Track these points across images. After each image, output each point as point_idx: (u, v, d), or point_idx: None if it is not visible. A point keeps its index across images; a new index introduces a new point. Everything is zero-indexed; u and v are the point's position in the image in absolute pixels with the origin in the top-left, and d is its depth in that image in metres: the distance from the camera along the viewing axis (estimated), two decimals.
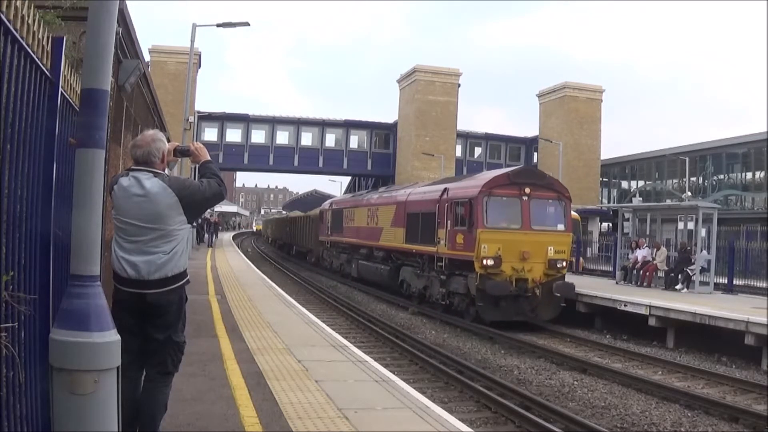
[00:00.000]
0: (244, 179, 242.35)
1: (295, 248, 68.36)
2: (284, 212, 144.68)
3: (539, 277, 25.64)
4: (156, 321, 6.30)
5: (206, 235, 60.57)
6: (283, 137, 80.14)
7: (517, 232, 25.78)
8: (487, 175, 29.07)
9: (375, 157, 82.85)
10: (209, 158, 6.87)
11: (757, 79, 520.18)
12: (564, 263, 26.49)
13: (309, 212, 63.92)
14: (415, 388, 11.17)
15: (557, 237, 26.56)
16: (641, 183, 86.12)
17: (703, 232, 30.94)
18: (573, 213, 30.50)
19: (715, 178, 71.75)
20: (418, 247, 31.01)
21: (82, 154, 4.88)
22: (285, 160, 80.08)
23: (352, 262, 42.64)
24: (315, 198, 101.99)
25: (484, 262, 25.10)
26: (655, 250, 31.74)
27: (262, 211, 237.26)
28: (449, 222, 27.49)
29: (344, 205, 47.70)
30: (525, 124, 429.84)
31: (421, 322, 27.43)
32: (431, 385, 16.43)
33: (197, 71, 70.18)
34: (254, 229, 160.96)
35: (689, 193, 64.26)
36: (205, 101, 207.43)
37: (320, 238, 52.49)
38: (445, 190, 28.79)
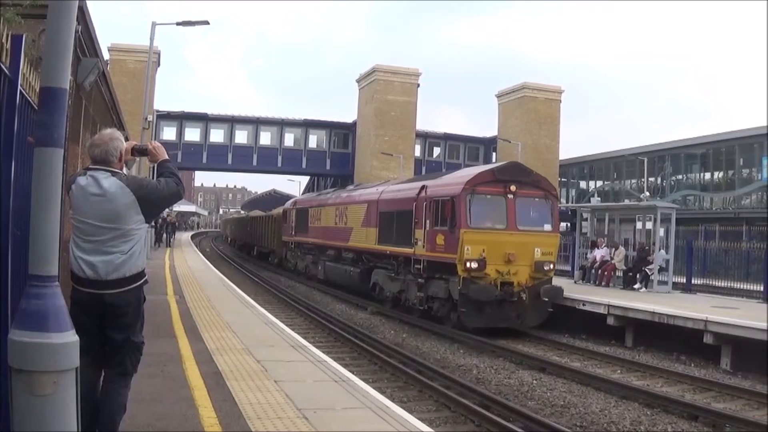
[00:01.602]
0: (203, 179, 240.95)
1: (256, 249, 66.82)
2: (243, 212, 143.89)
3: (525, 280, 24.33)
4: (114, 321, 6.26)
5: (164, 235, 60.02)
6: (241, 137, 79.84)
7: (503, 233, 24.33)
8: (470, 171, 27.48)
9: (334, 156, 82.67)
10: (167, 157, 6.85)
11: (717, 79, 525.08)
12: (551, 265, 25.15)
13: (272, 211, 62.56)
14: (374, 388, 11.20)
15: (544, 238, 25.23)
16: (600, 183, 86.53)
17: (661, 231, 31.10)
18: None
19: (673, 178, 72.30)
20: (392, 248, 29.21)
21: (40, 153, 4.85)
22: (244, 159, 79.75)
23: (319, 264, 40.92)
24: (274, 197, 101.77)
25: (468, 264, 23.51)
26: (614, 249, 31.86)
27: (221, 211, 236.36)
28: (428, 222, 25.82)
29: (310, 204, 45.94)
30: (484, 125, 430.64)
31: (380, 322, 27.38)
32: (390, 384, 16.45)
33: (156, 70, 69.64)
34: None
35: (648, 193, 64.70)
36: (164, 100, 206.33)
37: (284, 238, 50.93)
38: (423, 187, 27.02)
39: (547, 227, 25.63)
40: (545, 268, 24.78)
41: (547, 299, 24.58)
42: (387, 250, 29.95)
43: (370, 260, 32.74)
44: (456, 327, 24.34)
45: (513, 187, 24.61)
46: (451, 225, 24.28)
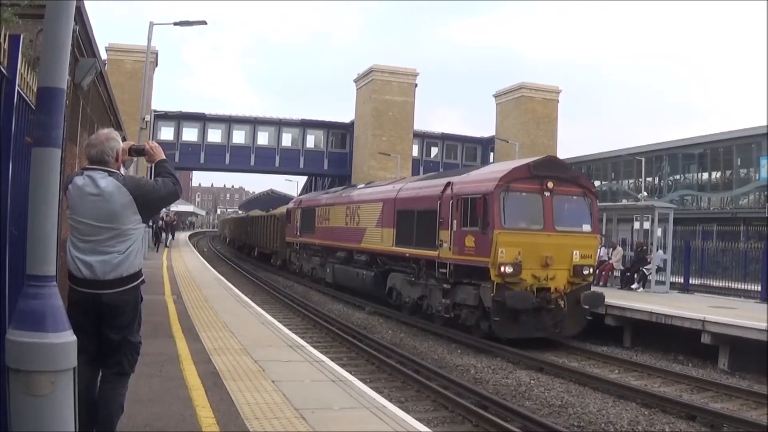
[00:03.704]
0: (200, 179, 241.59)
1: (257, 250, 64.85)
2: (240, 212, 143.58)
3: (563, 286, 22.18)
4: (112, 321, 6.26)
5: (163, 234, 59.45)
6: (239, 137, 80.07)
7: (539, 234, 22.20)
8: (503, 166, 25.04)
9: (331, 156, 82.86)
10: (165, 157, 6.86)
11: (715, 79, 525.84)
12: (590, 269, 23.17)
13: (274, 211, 61.05)
14: (371, 388, 11.19)
15: (583, 239, 23.04)
16: (597, 183, 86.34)
17: (659, 231, 31.14)
18: None
19: (671, 178, 72.14)
20: (412, 250, 26.80)
21: (38, 153, 4.86)
22: (241, 159, 79.94)
23: (327, 267, 38.70)
24: (271, 197, 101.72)
25: (502, 269, 21.36)
26: (611, 249, 31.85)
27: (218, 211, 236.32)
28: (455, 222, 23.50)
29: (317, 202, 43.50)
30: (482, 125, 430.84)
31: (378, 322, 27.30)
32: (388, 384, 16.43)
33: (154, 70, 69.77)
34: None
35: (645, 193, 64.56)
36: (161, 100, 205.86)
37: (287, 239, 48.60)
38: (449, 184, 24.55)
39: (586, 228, 23.48)
40: (584, 272, 22.71)
41: (587, 306, 22.56)
42: (406, 252, 27.56)
43: (386, 263, 30.44)
44: (486, 337, 22.40)
45: (550, 184, 22.59)
46: (483, 225, 22.07)
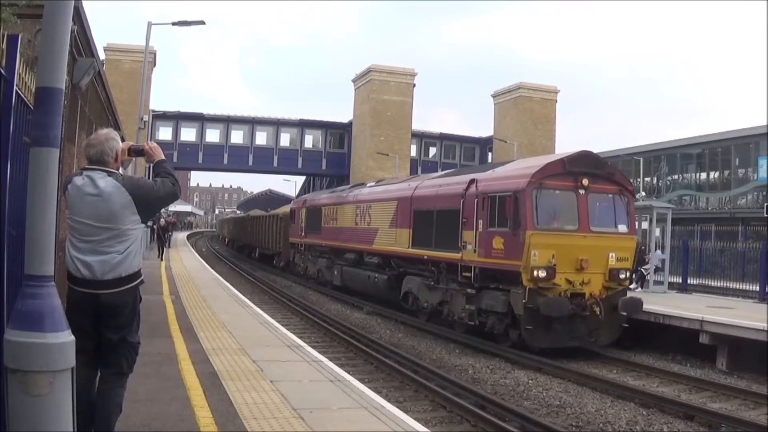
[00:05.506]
0: (199, 179, 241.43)
1: (258, 251, 63.06)
2: (239, 212, 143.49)
3: (598, 290, 20.71)
4: (110, 321, 6.26)
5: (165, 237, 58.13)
6: (237, 136, 79.98)
7: (574, 235, 20.75)
8: (534, 162, 23.20)
9: (330, 156, 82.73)
10: (164, 157, 6.85)
11: (714, 79, 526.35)
12: (627, 273, 21.89)
13: (277, 210, 60.12)
14: (370, 388, 11.20)
15: (619, 241, 21.63)
16: None
17: (657, 231, 31.12)
18: None
19: (669, 178, 72.10)
20: (432, 252, 25.09)
21: (36, 154, 4.86)
22: (240, 159, 79.89)
23: (334, 269, 36.91)
24: (270, 197, 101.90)
25: (535, 273, 19.82)
26: None
27: (217, 211, 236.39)
28: (481, 222, 21.91)
29: (323, 201, 41.39)
30: (480, 125, 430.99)
31: (376, 322, 27.24)
32: (386, 384, 16.41)
33: (152, 70, 69.70)
34: None
35: (643, 193, 64.51)
36: (160, 100, 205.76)
37: (291, 239, 46.72)
38: (473, 181, 22.98)
39: (623, 228, 22.06)
40: (620, 276, 21.33)
41: (625, 313, 21.15)
42: (424, 254, 25.80)
43: (401, 265, 28.66)
44: (515, 346, 20.88)
45: (585, 181, 21.05)
46: (513, 226, 20.53)
